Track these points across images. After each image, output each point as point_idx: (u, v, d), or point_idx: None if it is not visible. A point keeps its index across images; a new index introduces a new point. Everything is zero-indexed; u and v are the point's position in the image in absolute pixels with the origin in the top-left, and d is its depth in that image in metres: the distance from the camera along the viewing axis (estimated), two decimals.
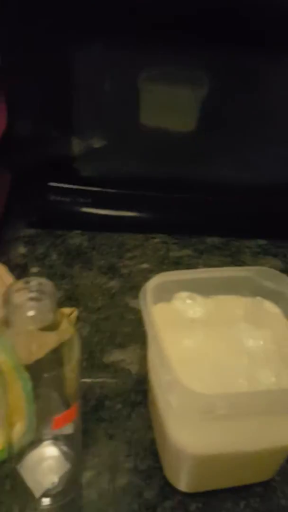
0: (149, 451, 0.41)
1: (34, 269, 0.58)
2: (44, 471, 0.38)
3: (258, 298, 0.40)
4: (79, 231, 0.64)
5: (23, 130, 0.56)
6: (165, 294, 0.39)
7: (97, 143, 0.61)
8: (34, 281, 0.28)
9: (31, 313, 0.28)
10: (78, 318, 0.52)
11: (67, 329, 0.32)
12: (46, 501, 0.37)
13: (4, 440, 0.38)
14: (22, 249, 0.61)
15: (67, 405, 0.33)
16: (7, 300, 0.28)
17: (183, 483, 0.37)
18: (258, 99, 0.60)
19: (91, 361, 0.48)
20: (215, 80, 0.58)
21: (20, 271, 0.57)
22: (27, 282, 0.28)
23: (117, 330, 0.52)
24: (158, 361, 0.32)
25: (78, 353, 0.33)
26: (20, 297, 0.28)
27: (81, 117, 0.59)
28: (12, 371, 0.36)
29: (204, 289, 0.40)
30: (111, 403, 0.45)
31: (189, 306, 0.39)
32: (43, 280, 0.28)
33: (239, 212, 0.66)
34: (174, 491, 0.39)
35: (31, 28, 0.51)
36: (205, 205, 0.65)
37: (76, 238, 0.64)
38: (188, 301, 0.39)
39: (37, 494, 0.37)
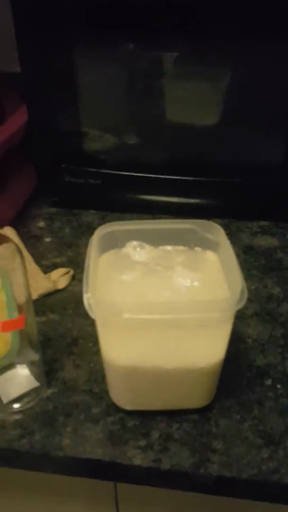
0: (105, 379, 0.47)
1: (47, 239, 0.68)
2: (14, 385, 0.47)
3: (199, 248, 0.45)
4: (94, 211, 0.73)
5: (42, 122, 0.67)
6: (118, 242, 0.46)
7: (108, 135, 0.70)
8: None
9: None
10: (74, 277, 0.61)
11: (12, 245, 0.40)
12: (11, 406, 0.45)
13: None
14: (41, 223, 0.71)
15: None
16: None
17: (120, 399, 0.43)
18: (272, 89, 0.64)
19: (77, 310, 0.56)
20: (234, 74, 0.64)
21: (35, 240, 0.67)
22: None
23: None
24: (84, 285, 0.39)
25: (22, 262, 0.40)
26: None
27: (93, 111, 0.68)
28: (4, 308, 0.45)
29: (153, 239, 0.46)
30: (85, 342, 0.52)
31: (137, 252, 0.45)
32: None
33: (243, 194, 0.70)
34: (118, 410, 0.45)
35: (46, 37, 0.61)
36: (210, 187, 0.71)
37: (90, 216, 0.72)
38: (138, 248, 0.45)
39: (4, 400, 0.46)
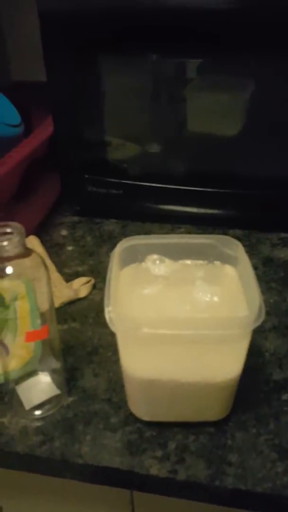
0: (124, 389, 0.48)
1: (69, 247, 0.69)
2: (36, 392, 0.48)
3: (218, 262, 0.46)
4: (114, 220, 0.75)
5: (67, 133, 0.68)
6: (139, 256, 0.47)
7: (130, 145, 0.71)
8: (8, 225, 0.39)
9: (5, 243, 0.38)
10: (95, 286, 0.62)
11: (37, 256, 0.41)
12: (32, 413, 0.47)
13: (3, 368, 0.48)
14: (64, 232, 0.72)
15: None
16: None
17: (138, 410, 0.44)
18: None
19: (97, 319, 0.57)
20: (257, 86, 0.65)
21: (57, 248, 0.69)
22: (3, 226, 0.39)
23: None
24: (105, 299, 0.40)
25: (46, 273, 0.42)
26: None
27: (115, 122, 0.69)
28: (27, 316, 0.47)
29: (173, 253, 0.47)
30: (104, 351, 0.53)
31: (157, 266, 0.46)
32: (14, 223, 0.39)
33: (264, 206, 0.70)
34: (136, 420, 0.46)
35: (73, 49, 0.63)
36: (231, 198, 0.71)
37: (111, 225, 0.74)
38: (157, 262, 0.46)
39: (27, 407, 0.47)
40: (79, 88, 0.65)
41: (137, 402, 0.44)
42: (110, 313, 0.38)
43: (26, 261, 0.41)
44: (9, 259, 0.39)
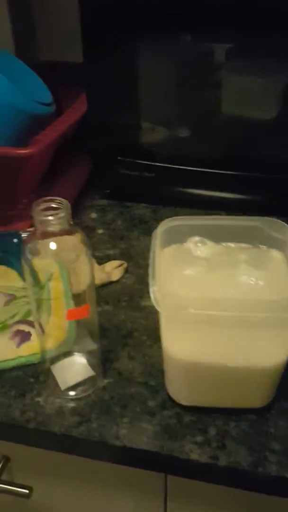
0: (161, 373, 0.47)
1: (100, 231, 0.68)
2: (72, 373, 0.48)
3: (264, 247, 0.44)
4: (145, 204, 0.73)
5: (100, 114, 0.67)
6: (180, 237, 0.46)
7: (163, 128, 0.70)
8: (54, 200, 0.37)
9: (51, 217, 0.37)
10: (127, 270, 0.61)
11: (81, 234, 0.41)
12: (67, 393, 0.46)
13: (40, 347, 0.47)
14: (94, 215, 0.71)
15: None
16: (36, 211, 0.37)
17: (178, 394, 0.43)
18: None
19: (130, 303, 0.56)
20: None
21: (88, 231, 0.68)
22: (49, 201, 0.38)
23: None
24: (150, 278, 0.39)
25: (87, 253, 0.41)
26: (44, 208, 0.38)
27: (149, 105, 0.68)
28: (61, 297, 0.46)
29: (216, 235, 0.45)
30: (139, 334, 0.52)
31: (199, 248, 0.45)
32: (61, 199, 0.38)
33: None
34: (174, 404, 0.45)
35: (110, 32, 0.61)
36: (264, 183, 0.69)
37: (142, 210, 0.72)
38: (199, 244, 0.45)
39: (62, 387, 0.46)
40: (114, 71, 0.64)
41: (177, 385, 0.43)
42: (155, 292, 0.37)
43: (71, 239, 0.40)
44: (54, 234, 0.38)
